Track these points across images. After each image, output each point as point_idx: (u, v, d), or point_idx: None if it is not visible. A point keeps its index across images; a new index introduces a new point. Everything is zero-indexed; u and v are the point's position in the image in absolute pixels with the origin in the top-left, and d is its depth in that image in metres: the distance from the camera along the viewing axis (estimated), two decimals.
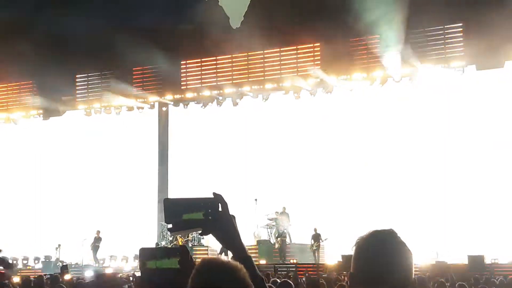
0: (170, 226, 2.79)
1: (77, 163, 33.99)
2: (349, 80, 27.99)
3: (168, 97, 31.21)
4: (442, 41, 26.88)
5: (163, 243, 27.30)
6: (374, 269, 2.59)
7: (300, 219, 28.00)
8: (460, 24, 26.47)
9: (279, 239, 26.43)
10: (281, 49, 28.89)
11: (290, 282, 8.51)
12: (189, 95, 30.86)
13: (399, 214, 24.99)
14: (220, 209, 2.74)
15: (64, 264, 22.75)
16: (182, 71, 30.91)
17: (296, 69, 28.73)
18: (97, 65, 31.32)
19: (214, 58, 29.99)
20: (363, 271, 2.63)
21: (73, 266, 27.75)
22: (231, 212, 2.76)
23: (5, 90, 34.06)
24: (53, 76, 30.24)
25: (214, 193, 2.75)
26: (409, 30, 25.79)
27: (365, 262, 2.64)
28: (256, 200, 26.97)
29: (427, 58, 26.77)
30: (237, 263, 2.45)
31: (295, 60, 28.78)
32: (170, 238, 26.84)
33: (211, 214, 2.73)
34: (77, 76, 32.55)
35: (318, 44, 28.28)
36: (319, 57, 28.38)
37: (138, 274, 19.77)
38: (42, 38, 28.89)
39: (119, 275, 13.42)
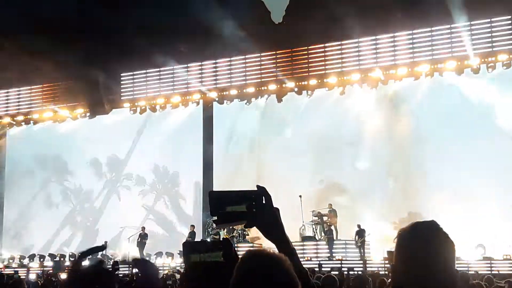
0: (215, 218, 2.82)
1: (123, 159, 34.41)
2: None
3: (213, 94, 31.28)
4: None
5: (208, 239, 27.47)
6: (417, 261, 2.56)
7: (345, 216, 27.95)
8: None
9: (325, 236, 26.35)
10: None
11: (334, 276, 8.48)
12: (233, 92, 30.89)
13: (442, 209, 24.79)
14: (263, 201, 2.75)
15: (115, 260, 23.00)
16: (225, 68, 31.02)
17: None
18: (143, 63, 31.55)
19: (259, 54, 29.97)
20: (405, 264, 2.60)
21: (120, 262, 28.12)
22: (274, 205, 2.75)
23: (52, 88, 34.51)
24: (99, 74, 30.73)
25: (258, 186, 2.75)
26: None
27: (407, 254, 2.61)
28: (300, 196, 26.90)
29: None
30: (282, 255, 2.45)
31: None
32: (215, 235, 26.97)
33: (255, 207, 2.74)
34: (121, 74, 32.84)
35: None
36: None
37: (182, 270, 19.94)
38: (89, 36, 29.23)
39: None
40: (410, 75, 27.56)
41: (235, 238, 26.66)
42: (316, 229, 27.28)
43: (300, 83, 29.46)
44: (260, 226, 2.72)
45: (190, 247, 2.94)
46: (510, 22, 25.99)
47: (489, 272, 20.82)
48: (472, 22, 26.09)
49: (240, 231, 26.69)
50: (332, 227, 26.78)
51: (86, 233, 34.60)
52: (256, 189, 2.77)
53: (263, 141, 31.71)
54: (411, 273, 2.57)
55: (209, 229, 28.01)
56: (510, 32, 25.98)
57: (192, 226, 29.24)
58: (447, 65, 26.81)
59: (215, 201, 2.80)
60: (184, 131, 32.92)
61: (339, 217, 27.38)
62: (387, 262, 23.21)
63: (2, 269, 28.13)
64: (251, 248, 2.47)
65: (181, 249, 2.93)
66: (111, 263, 17.51)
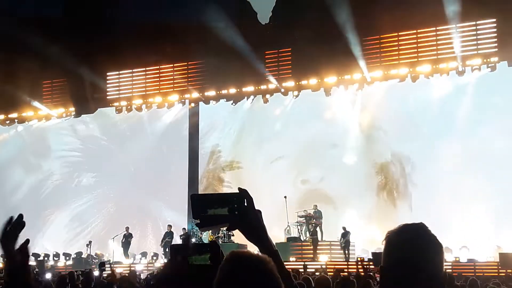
0: (197, 221, 2.82)
1: (109, 160, 34.33)
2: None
3: (195, 94, 31.26)
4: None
5: (193, 240, 27.43)
6: (405, 263, 2.56)
7: (330, 217, 28.04)
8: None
9: (310, 237, 26.40)
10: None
11: (327, 277, 8.49)
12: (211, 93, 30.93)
13: (429, 211, 24.93)
14: (245, 204, 2.75)
15: (102, 261, 22.91)
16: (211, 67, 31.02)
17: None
18: (127, 62, 31.49)
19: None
20: (394, 265, 2.61)
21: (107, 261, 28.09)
22: (256, 207, 2.76)
23: (37, 87, 34.37)
24: (85, 73, 30.65)
25: (239, 188, 2.77)
26: None
27: (396, 256, 2.61)
28: (285, 197, 26.96)
29: None
30: (266, 256, 2.45)
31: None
32: (201, 235, 26.98)
33: (236, 209, 2.74)
34: (107, 73, 32.76)
35: None
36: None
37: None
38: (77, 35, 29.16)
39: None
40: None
41: (220, 239, 26.67)
42: (301, 230, 27.35)
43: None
44: (242, 228, 2.74)
45: (177, 249, 2.93)
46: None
47: (473, 274, 20.89)
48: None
49: (225, 232, 26.71)
50: (318, 228, 26.87)
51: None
52: (238, 191, 2.77)
53: (247, 140, 31.77)
54: (399, 275, 2.57)
55: (194, 230, 28.01)
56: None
57: (169, 226, 29.27)
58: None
59: (197, 204, 2.81)
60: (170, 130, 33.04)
61: (325, 218, 27.52)
62: (371, 263, 23.27)
63: None
64: (234, 250, 2.46)
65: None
66: (98, 263, 17.41)
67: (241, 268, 2.37)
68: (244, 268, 2.37)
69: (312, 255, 25.97)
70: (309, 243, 26.35)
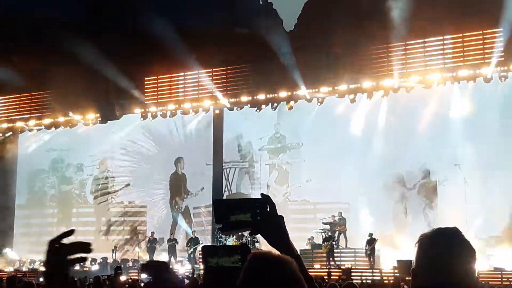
0: (220, 226, 2.85)
1: (132, 165, 34.50)
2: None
3: (223, 100, 31.29)
4: None
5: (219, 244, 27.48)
6: (437, 267, 2.56)
7: (358, 224, 27.94)
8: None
9: (326, 243, 26.32)
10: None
11: (355, 284, 8.51)
12: (244, 98, 30.89)
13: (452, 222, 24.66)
14: (268, 209, 2.77)
15: (118, 265, 23.07)
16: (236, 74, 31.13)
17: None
18: (154, 68, 31.67)
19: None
20: (426, 269, 2.60)
21: (131, 266, 28.26)
22: (279, 213, 2.79)
23: (62, 93, 34.68)
24: (111, 79, 30.88)
25: (262, 194, 2.79)
26: None
27: (428, 260, 2.61)
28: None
29: None
30: (288, 257, 2.46)
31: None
32: (224, 241, 26.98)
33: (259, 215, 2.76)
34: (133, 80, 32.95)
35: None
36: None
37: (191, 275, 19.94)
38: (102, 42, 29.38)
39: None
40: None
41: None
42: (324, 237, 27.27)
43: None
44: (265, 234, 2.76)
45: (208, 251, 2.96)
46: None
47: (500, 283, 20.70)
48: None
49: (249, 238, 26.69)
50: (335, 235, 26.87)
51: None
52: (260, 197, 2.79)
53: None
54: (431, 279, 2.57)
55: (218, 236, 28.03)
56: None
57: (152, 232, 29.34)
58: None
59: (220, 209, 2.84)
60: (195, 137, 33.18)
61: (353, 225, 27.54)
62: (396, 271, 23.16)
63: (14, 273, 28.20)
64: (257, 251, 2.48)
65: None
66: (115, 267, 17.53)
67: (264, 269, 2.38)
68: (268, 269, 2.38)
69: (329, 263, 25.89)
70: (326, 250, 26.19)
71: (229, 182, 32.25)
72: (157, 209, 33.29)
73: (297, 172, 30.88)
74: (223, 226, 2.83)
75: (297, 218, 29.18)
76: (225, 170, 32.41)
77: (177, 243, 29.15)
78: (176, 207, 33.04)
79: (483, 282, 18.86)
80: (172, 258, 28.80)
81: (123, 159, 34.75)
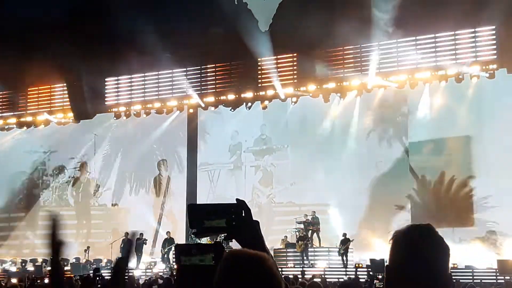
0: (194, 231, 2.83)
1: (107, 165, 34.31)
2: None
3: (194, 100, 31.23)
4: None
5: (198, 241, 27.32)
6: (411, 263, 2.57)
7: (330, 223, 28.08)
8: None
9: (300, 242, 26.41)
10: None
11: (319, 283, 8.52)
12: (218, 98, 30.86)
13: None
14: (243, 215, 2.76)
15: (97, 267, 22.93)
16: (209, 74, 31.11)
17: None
18: (127, 68, 31.52)
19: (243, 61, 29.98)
20: (400, 265, 2.61)
21: (103, 266, 28.06)
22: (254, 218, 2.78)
23: (36, 92, 34.40)
24: (85, 78, 30.68)
25: (237, 199, 2.78)
26: None
27: (402, 255, 2.62)
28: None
29: None
30: (264, 254, 2.45)
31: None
32: (198, 241, 26.85)
33: (234, 220, 2.75)
34: (106, 79, 32.81)
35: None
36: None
37: (165, 276, 19.89)
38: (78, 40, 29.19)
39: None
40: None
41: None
42: (298, 236, 27.31)
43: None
44: (239, 239, 2.73)
45: (181, 250, 2.95)
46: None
47: (471, 281, 20.89)
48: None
49: (222, 239, 26.62)
50: (309, 234, 26.96)
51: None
52: (235, 202, 2.78)
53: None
54: (405, 275, 2.58)
55: (191, 235, 27.90)
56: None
57: (168, 232, 29.16)
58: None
59: (194, 214, 2.81)
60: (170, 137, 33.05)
61: (326, 224, 27.65)
62: (369, 269, 23.30)
63: None
64: (232, 249, 2.46)
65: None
66: (93, 268, 17.40)
67: (240, 266, 2.36)
68: (244, 266, 2.36)
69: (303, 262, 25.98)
70: (300, 250, 26.25)
71: (213, 184, 32.13)
72: (137, 210, 32.88)
73: (282, 174, 30.86)
74: (198, 232, 2.81)
75: (282, 220, 29.19)
76: (209, 172, 32.27)
77: (145, 243, 28.89)
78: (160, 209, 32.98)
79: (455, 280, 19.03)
80: (139, 258, 28.74)
81: (103, 161, 34.52)
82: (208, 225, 2.75)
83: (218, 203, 2.79)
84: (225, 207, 2.78)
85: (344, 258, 25.73)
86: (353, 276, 21.62)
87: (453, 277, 2.78)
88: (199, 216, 2.78)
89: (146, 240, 28.86)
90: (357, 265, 24.76)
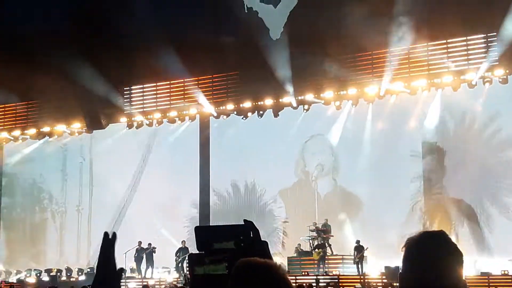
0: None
1: (118, 176, 34.32)
2: None
3: (210, 108, 31.21)
4: None
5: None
6: (425, 270, 2.55)
7: (343, 231, 28.00)
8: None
9: (319, 250, 26.32)
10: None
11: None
12: (230, 106, 30.85)
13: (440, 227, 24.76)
14: (251, 236, 2.76)
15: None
16: (221, 82, 31.09)
17: None
18: (139, 78, 31.62)
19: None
20: (413, 272, 2.60)
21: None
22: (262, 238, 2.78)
23: (48, 102, 34.48)
24: (96, 88, 30.77)
25: (245, 220, 2.78)
26: None
27: (415, 263, 2.60)
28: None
29: None
30: (275, 262, 2.46)
31: None
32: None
33: (243, 241, 2.74)
34: (119, 89, 32.82)
35: None
36: None
37: (178, 285, 19.92)
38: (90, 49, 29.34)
39: None
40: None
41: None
42: (313, 244, 27.26)
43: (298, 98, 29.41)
44: None
45: (194, 260, 2.95)
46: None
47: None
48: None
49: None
50: (325, 242, 26.87)
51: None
52: (243, 223, 2.78)
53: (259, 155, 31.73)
54: (418, 282, 2.56)
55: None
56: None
57: (183, 241, 29.14)
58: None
59: (201, 237, 2.81)
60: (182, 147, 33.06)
61: (338, 232, 27.56)
62: (384, 277, 23.20)
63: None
64: (244, 258, 2.47)
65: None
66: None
67: (252, 274, 2.37)
68: (255, 274, 2.36)
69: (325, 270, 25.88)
70: (317, 257, 26.17)
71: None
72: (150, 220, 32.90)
73: None
74: (206, 253, 2.81)
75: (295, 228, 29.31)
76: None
77: (154, 251, 28.96)
78: None
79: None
80: (150, 267, 28.85)
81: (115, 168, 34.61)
82: (217, 247, 2.75)
83: (226, 225, 2.79)
84: (233, 228, 2.79)
85: (359, 266, 25.61)
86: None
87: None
88: (207, 238, 2.78)
89: (155, 248, 28.92)
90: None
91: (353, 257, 25.89)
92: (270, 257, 2.73)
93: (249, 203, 31.55)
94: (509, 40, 24.92)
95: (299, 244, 27.80)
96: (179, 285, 20.07)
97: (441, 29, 25.85)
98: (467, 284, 2.62)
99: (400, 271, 2.65)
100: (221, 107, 31.13)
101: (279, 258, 27.36)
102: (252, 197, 31.65)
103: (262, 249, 2.76)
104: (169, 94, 32.15)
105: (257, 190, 31.52)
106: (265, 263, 2.41)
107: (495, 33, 25.69)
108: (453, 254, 2.59)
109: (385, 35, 26.01)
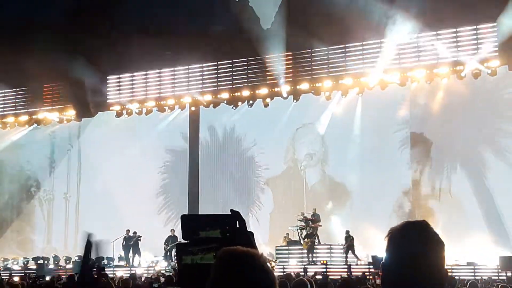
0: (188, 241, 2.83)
1: (109, 164, 34.22)
2: None
3: (200, 97, 31.13)
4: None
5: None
6: (406, 260, 2.58)
7: (331, 221, 28.09)
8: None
9: (307, 240, 26.36)
10: None
11: (305, 280, 8.53)
12: (224, 95, 30.73)
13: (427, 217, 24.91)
14: (237, 225, 2.77)
15: (99, 265, 22.82)
16: (212, 72, 30.99)
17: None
18: (129, 66, 31.50)
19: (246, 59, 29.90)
20: (395, 261, 2.62)
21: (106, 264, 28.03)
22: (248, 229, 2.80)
23: (37, 90, 34.30)
24: (86, 77, 30.64)
25: (231, 210, 2.80)
26: None
27: (397, 253, 2.63)
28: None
29: None
30: (257, 251, 2.47)
31: None
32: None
33: (228, 231, 2.75)
34: (108, 77, 32.71)
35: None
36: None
37: (167, 274, 19.91)
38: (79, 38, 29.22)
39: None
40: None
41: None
42: (301, 234, 27.29)
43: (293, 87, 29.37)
44: None
45: (182, 249, 2.95)
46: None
47: (473, 277, 20.87)
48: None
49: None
50: (314, 232, 26.93)
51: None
52: (229, 213, 2.79)
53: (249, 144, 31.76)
54: (400, 272, 2.58)
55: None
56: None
57: (172, 230, 29.11)
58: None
59: (187, 225, 2.81)
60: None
61: (327, 222, 27.68)
62: (371, 266, 23.28)
63: None
64: (226, 248, 2.48)
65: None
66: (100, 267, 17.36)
67: (234, 264, 2.37)
68: (238, 264, 2.37)
69: (309, 259, 25.96)
70: (306, 247, 26.23)
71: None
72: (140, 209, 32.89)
73: None
74: (191, 243, 2.81)
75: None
76: None
77: (140, 240, 28.95)
78: None
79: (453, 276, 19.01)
80: (137, 255, 28.85)
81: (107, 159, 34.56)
82: (203, 235, 2.76)
83: (212, 214, 2.80)
84: (220, 218, 2.80)
85: (347, 255, 25.70)
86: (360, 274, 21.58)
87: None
88: (194, 227, 2.79)
89: (140, 236, 28.88)
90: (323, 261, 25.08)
91: (342, 246, 26.00)
92: (255, 247, 2.74)
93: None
94: (502, 33, 25.00)
95: (288, 234, 27.83)
96: (167, 273, 20.07)
97: (433, 20, 25.82)
98: (448, 272, 2.65)
99: (383, 261, 2.67)
100: (211, 97, 30.98)
101: (268, 248, 27.49)
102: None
103: (248, 239, 2.77)
104: (159, 83, 32.03)
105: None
106: (247, 252, 2.42)
107: (488, 25, 25.78)
108: (435, 244, 2.62)
109: (377, 25, 25.99)
